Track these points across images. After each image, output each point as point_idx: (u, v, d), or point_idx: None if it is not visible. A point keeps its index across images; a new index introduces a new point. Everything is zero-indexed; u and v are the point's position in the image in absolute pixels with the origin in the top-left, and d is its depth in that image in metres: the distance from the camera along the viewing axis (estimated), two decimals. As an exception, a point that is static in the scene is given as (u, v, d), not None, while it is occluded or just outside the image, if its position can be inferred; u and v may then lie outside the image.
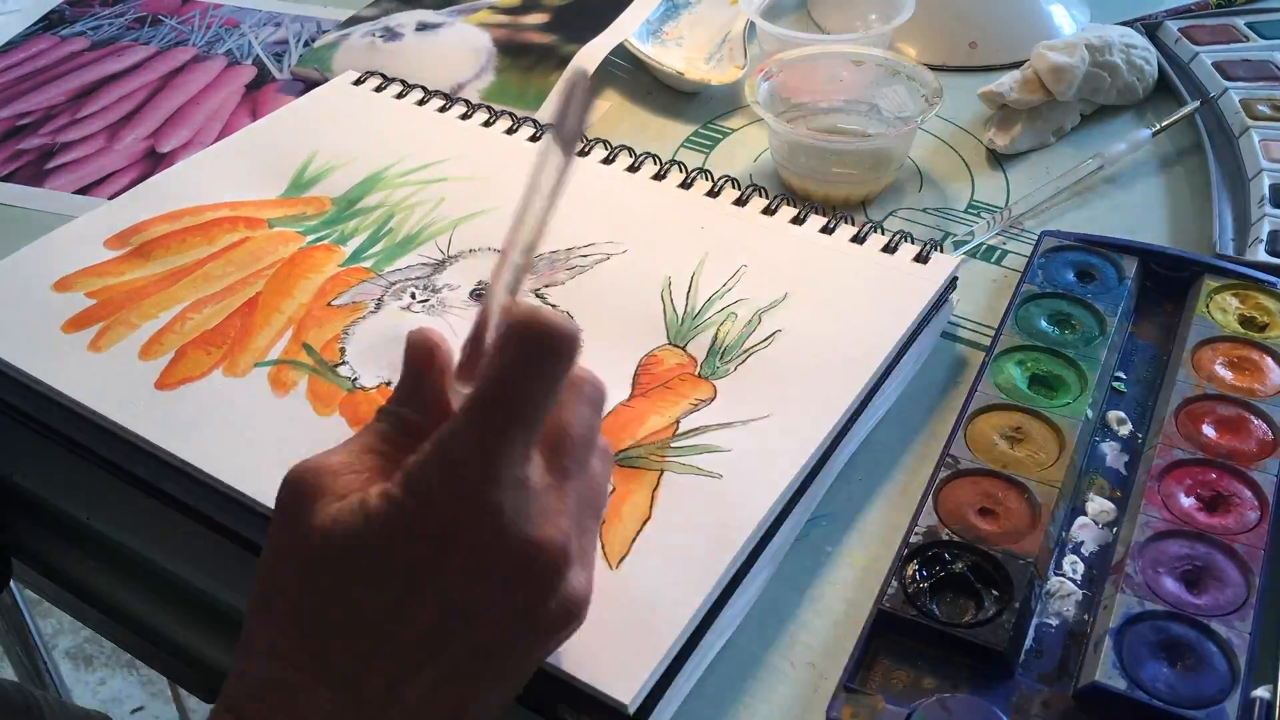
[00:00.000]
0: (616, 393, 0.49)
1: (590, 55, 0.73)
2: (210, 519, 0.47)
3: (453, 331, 0.52)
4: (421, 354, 0.37)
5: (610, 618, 0.40)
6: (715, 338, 0.51)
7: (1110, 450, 0.50)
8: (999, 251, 0.62)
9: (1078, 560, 0.45)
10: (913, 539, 0.44)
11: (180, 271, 0.57)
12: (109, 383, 0.50)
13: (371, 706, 0.34)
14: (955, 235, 0.63)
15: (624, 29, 0.76)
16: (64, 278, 0.56)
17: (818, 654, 0.43)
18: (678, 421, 0.48)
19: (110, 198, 0.68)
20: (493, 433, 0.33)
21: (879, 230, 0.57)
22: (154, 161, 0.72)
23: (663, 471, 0.46)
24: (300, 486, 0.35)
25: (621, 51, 0.76)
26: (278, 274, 0.57)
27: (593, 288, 0.55)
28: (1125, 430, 0.50)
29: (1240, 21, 0.75)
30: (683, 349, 0.51)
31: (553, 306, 0.53)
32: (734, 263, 0.55)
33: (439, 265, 0.57)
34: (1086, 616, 0.43)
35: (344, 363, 0.52)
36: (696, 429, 0.47)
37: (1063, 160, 0.68)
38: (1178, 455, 0.47)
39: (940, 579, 0.43)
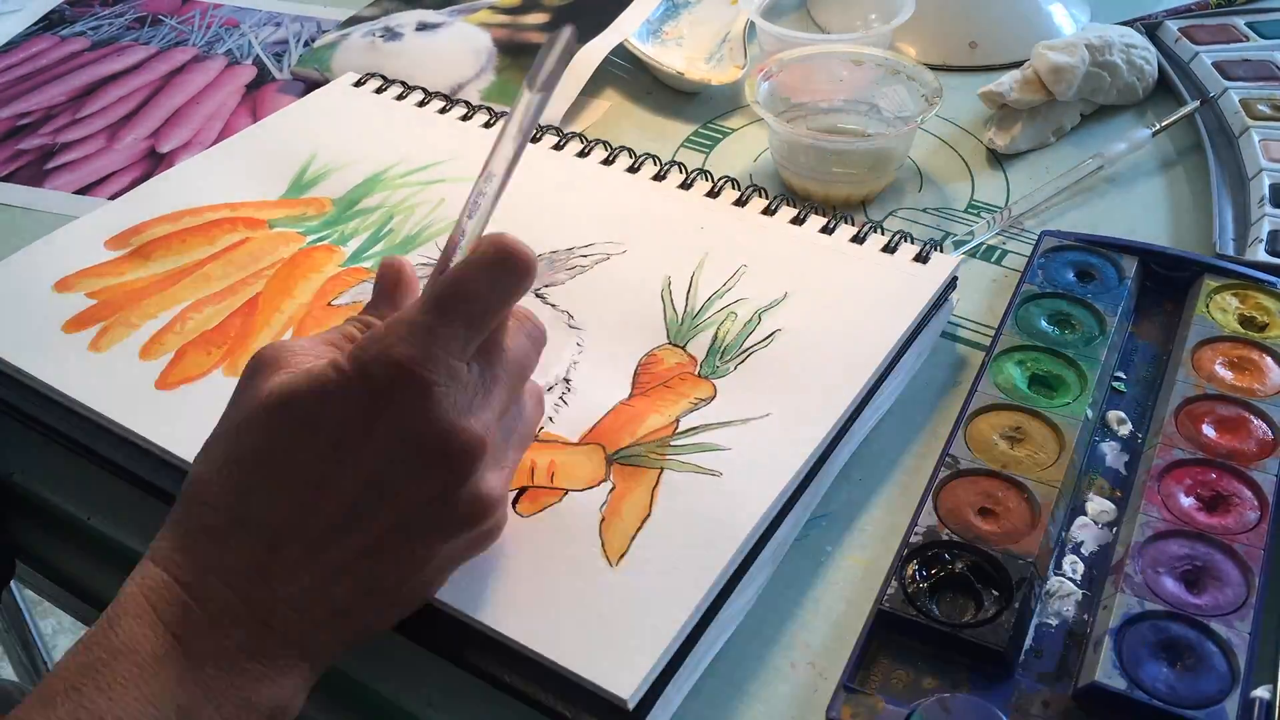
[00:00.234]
0: (617, 391, 0.49)
1: (590, 55, 0.73)
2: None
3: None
4: (390, 273, 0.41)
5: (610, 614, 0.40)
6: (715, 337, 0.52)
7: (1110, 450, 0.50)
8: (999, 251, 0.62)
9: (1077, 560, 0.45)
10: (912, 539, 0.44)
11: (181, 272, 0.57)
12: (110, 382, 0.50)
13: (287, 569, 0.36)
14: (955, 235, 0.63)
15: (624, 29, 0.76)
16: (64, 278, 0.56)
17: (818, 654, 0.43)
18: (678, 420, 0.48)
19: (110, 198, 0.68)
20: (440, 321, 0.36)
21: (879, 230, 0.57)
22: (154, 161, 0.72)
23: (663, 470, 0.46)
24: (261, 358, 0.38)
25: (621, 51, 0.76)
26: (278, 274, 0.57)
27: (593, 287, 0.55)
28: (1125, 430, 0.50)
29: (1240, 21, 0.75)
30: (683, 348, 0.51)
31: (552, 306, 0.54)
32: (734, 263, 0.55)
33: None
34: (1086, 616, 0.43)
35: (344, 363, 0.51)
36: (696, 428, 0.47)
37: (1063, 160, 0.68)
38: (1178, 455, 0.47)
39: (940, 579, 0.43)
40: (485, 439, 0.37)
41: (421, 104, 0.69)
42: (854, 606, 0.45)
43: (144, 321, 0.54)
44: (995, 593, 0.42)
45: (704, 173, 0.61)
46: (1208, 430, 0.48)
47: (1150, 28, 0.76)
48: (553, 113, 0.71)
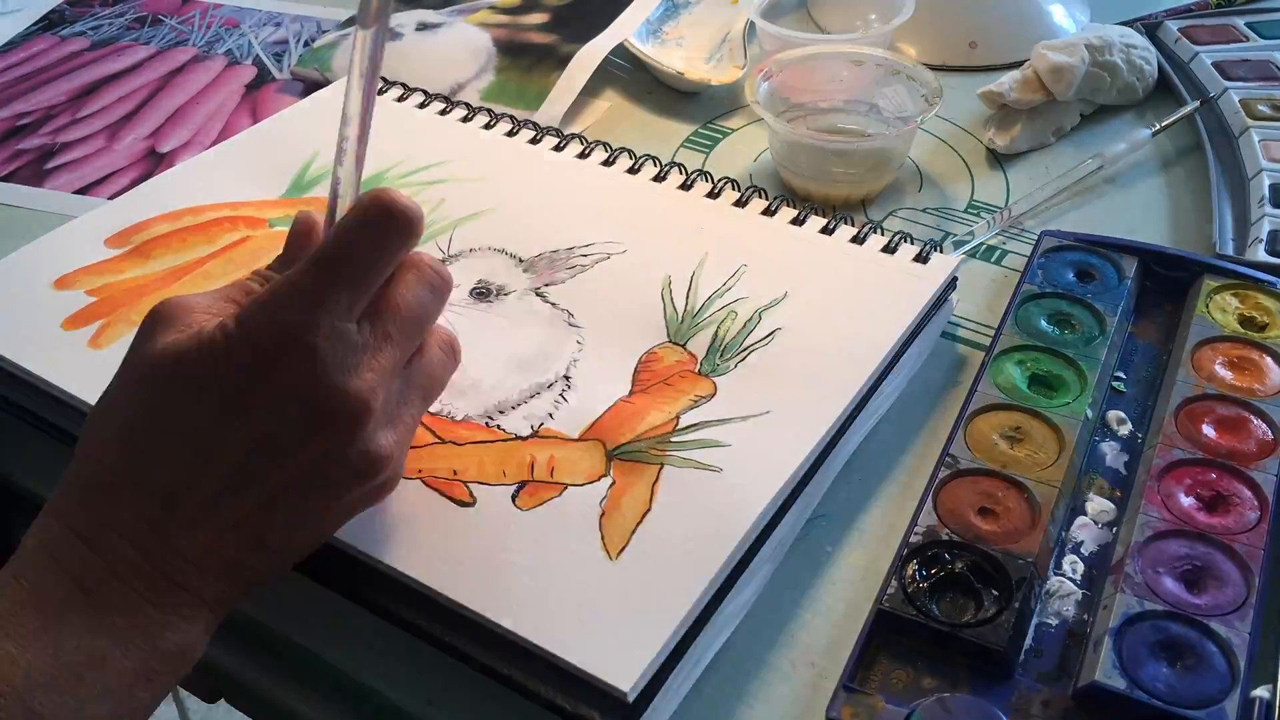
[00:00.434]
0: (617, 389, 0.49)
1: (590, 55, 0.73)
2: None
3: (453, 329, 0.52)
4: (301, 230, 0.43)
5: (610, 607, 0.41)
6: (715, 336, 0.52)
7: (1110, 450, 0.50)
8: (999, 251, 0.62)
9: (1077, 560, 0.45)
10: (912, 539, 0.44)
11: (181, 270, 0.57)
12: (109, 379, 0.50)
13: (182, 525, 0.37)
14: (955, 235, 0.63)
15: (624, 29, 0.76)
16: (64, 276, 0.56)
17: (818, 654, 0.43)
18: (678, 417, 0.48)
19: (110, 198, 0.68)
20: (321, 282, 0.37)
21: (879, 230, 0.57)
22: (154, 161, 0.72)
23: (663, 465, 0.46)
24: (156, 314, 0.39)
25: (621, 51, 0.76)
26: (278, 273, 0.57)
27: (593, 286, 0.55)
28: (1125, 430, 0.50)
29: (1240, 21, 0.75)
30: (683, 346, 0.51)
31: (552, 305, 0.54)
32: (734, 262, 0.55)
33: (439, 264, 0.57)
34: (1086, 616, 0.43)
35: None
36: (696, 424, 0.47)
37: (1063, 160, 0.68)
38: (1177, 455, 0.47)
39: (940, 579, 0.43)
40: (371, 399, 0.38)
41: (422, 105, 0.69)
42: (854, 606, 0.45)
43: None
44: (995, 592, 0.42)
45: (704, 173, 0.61)
46: (1208, 430, 0.48)
47: (1150, 28, 0.76)
48: (553, 113, 0.71)
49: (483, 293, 0.54)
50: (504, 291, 0.54)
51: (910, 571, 0.43)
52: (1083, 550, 0.46)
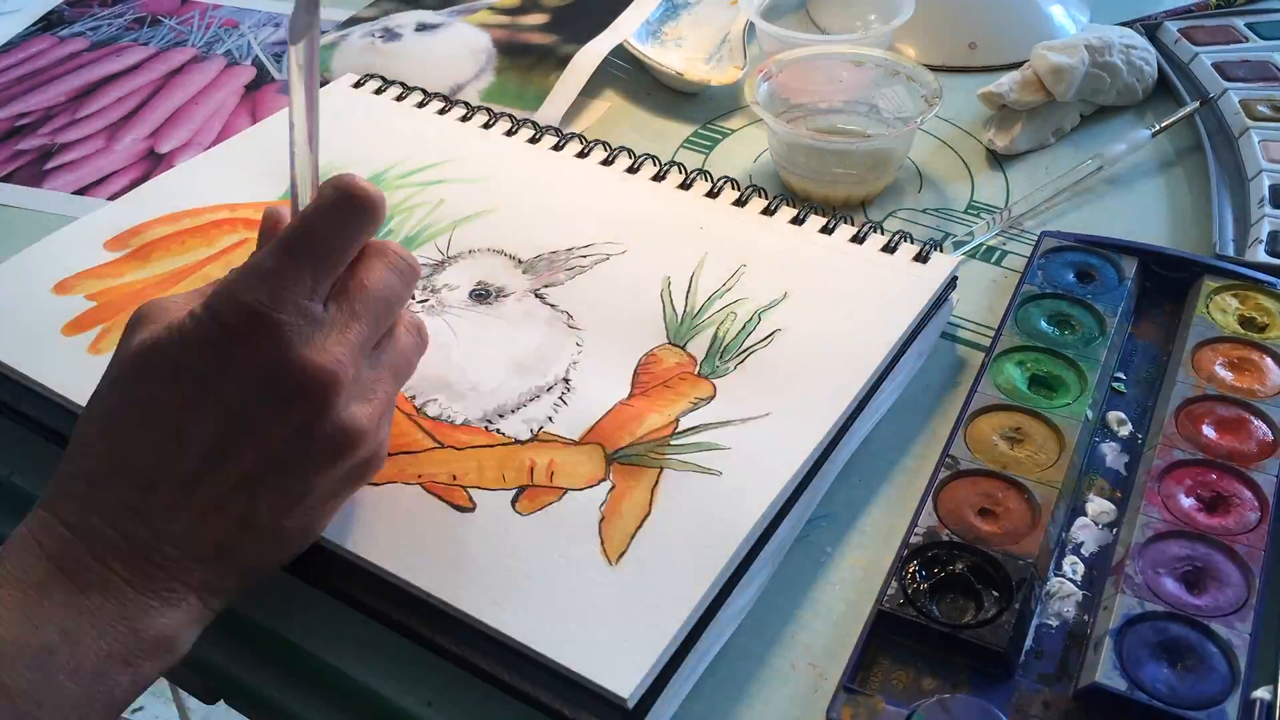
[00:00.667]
0: (616, 391, 0.49)
1: (590, 55, 0.73)
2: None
3: (451, 331, 0.52)
4: (269, 225, 0.43)
5: (609, 613, 0.40)
6: (715, 337, 0.51)
7: (1110, 451, 0.50)
8: (999, 252, 0.62)
9: (1078, 561, 0.45)
10: (912, 539, 0.44)
11: (180, 273, 0.57)
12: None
13: (163, 509, 0.38)
14: (955, 235, 0.63)
15: (624, 29, 0.76)
16: (64, 280, 0.56)
17: (818, 654, 0.43)
18: (677, 420, 0.48)
19: (109, 198, 0.68)
20: (285, 263, 0.39)
21: (878, 230, 0.57)
22: (153, 162, 0.72)
23: (662, 469, 0.46)
24: (137, 314, 0.41)
25: (621, 51, 0.76)
26: (277, 274, 0.57)
27: (592, 287, 0.55)
28: (1125, 431, 0.50)
29: (1240, 22, 0.75)
30: (682, 348, 0.51)
31: (552, 306, 0.53)
32: (733, 263, 0.55)
33: (439, 265, 0.57)
34: (1086, 617, 0.43)
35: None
36: (696, 427, 0.47)
37: (1062, 161, 0.68)
38: (1178, 456, 0.47)
39: (940, 579, 0.43)
40: (340, 370, 0.39)
41: (421, 105, 0.68)
42: (854, 607, 0.45)
43: (143, 322, 0.54)
44: (995, 593, 0.42)
45: (704, 173, 0.61)
46: (1208, 431, 0.48)
47: (1150, 28, 0.76)
48: (552, 113, 0.71)
49: (482, 294, 0.54)
50: (503, 293, 0.54)
51: (910, 572, 0.43)
52: (1083, 551, 0.46)
